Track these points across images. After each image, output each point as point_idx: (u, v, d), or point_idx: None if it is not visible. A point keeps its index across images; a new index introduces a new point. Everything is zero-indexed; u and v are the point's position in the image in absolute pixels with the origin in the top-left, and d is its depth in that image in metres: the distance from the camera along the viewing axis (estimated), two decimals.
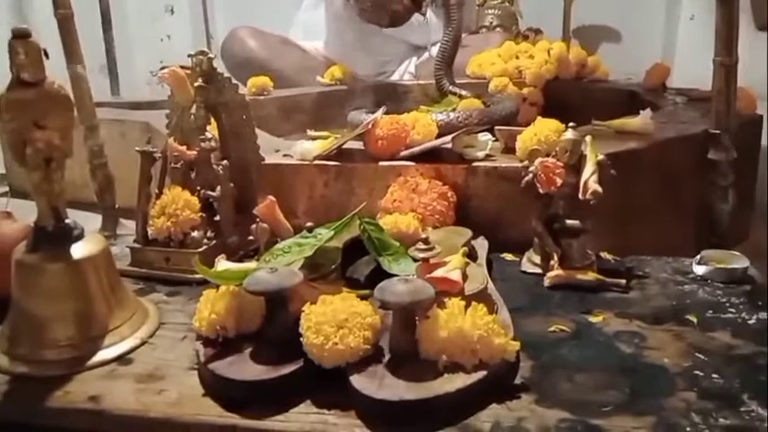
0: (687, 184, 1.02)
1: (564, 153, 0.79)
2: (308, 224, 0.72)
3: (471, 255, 0.79)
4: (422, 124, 0.94)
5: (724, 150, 0.83)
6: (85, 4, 2.14)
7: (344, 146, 0.95)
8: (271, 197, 0.84)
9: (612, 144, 0.94)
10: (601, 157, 0.79)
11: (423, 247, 0.65)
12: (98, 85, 2.11)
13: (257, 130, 0.90)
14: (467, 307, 0.58)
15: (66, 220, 0.65)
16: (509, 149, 0.93)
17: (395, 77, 2.06)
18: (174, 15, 2.68)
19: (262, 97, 1.59)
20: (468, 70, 1.77)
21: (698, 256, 0.80)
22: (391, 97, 1.67)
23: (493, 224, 0.87)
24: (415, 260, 0.68)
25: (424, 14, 1.50)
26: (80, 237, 0.65)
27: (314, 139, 1.56)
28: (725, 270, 0.76)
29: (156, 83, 0.87)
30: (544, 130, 0.86)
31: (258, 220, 0.83)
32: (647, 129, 1.00)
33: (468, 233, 0.81)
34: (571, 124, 0.80)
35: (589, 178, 0.77)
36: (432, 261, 0.65)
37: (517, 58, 1.70)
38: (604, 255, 0.84)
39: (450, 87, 1.47)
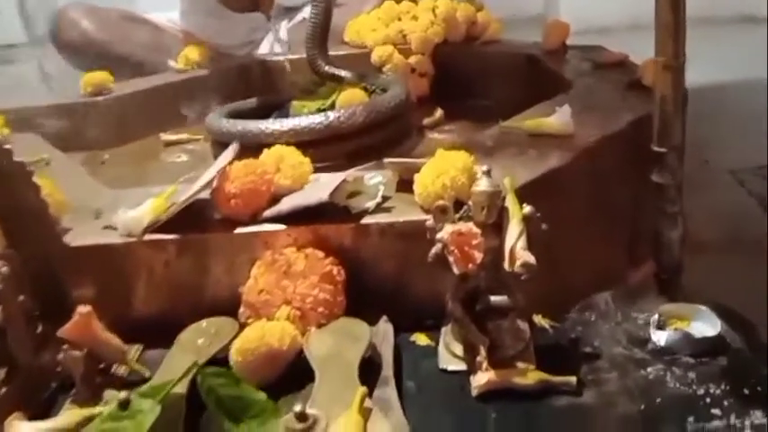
0: (619, 193, 0.82)
1: (480, 210, 0.56)
2: (122, 395, 0.46)
3: (373, 361, 0.57)
4: (289, 164, 0.68)
5: (671, 172, 0.63)
6: None
7: (191, 201, 0.68)
8: (82, 308, 0.57)
9: (530, 165, 0.72)
10: (527, 209, 0.57)
11: (298, 427, 0.42)
12: None
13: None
14: None
15: None
16: (405, 183, 0.69)
17: (264, 47, 1.75)
18: None
19: (101, 98, 1.25)
20: (346, 37, 1.50)
21: (655, 316, 0.61)
22: (261, 81, 1.38)
23: (395, 295, 0.65)
24: None
25: (269, 17, 1.22)
26: None
27: (171, 143, 1.28)
28: (692, 340, 0.58)
29: None
30: (449, 169, 0.62)
31: (66, 346, 0.57)
32: (566, 130, 0.79)
33: (366, 330, 0.57)
34: (484, 168, 0.57)
35: (516, 243, 0.55)
36: None
37: (399, 20, 1.45)
38: (539, 321, 0.64)
39: (327, 68, 1.20)
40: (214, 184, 0.63)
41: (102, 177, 1.13)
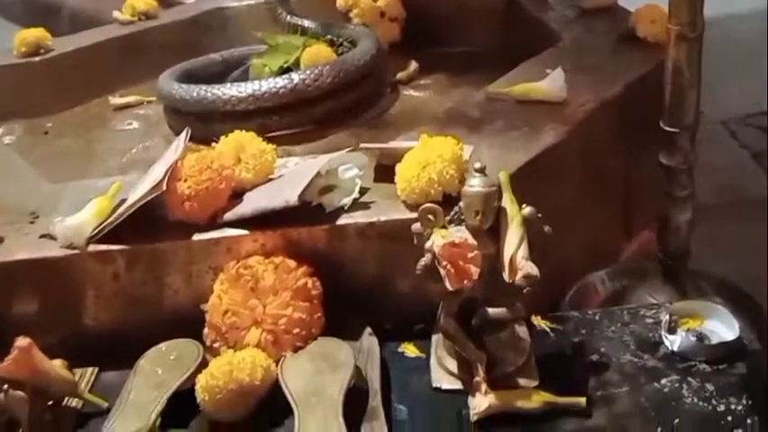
0: (613, 161, 0.75)
1: (474, 215, 0.49)
2: None
3: (359, 389, 0.50)
4: (251, 153, 0.59)
5: (682, 155, 0.56)
6: None
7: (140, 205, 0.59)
8: (22, 341, 0.49)
9: (522, 142, 0.64)
10: (526, 209, 0.49)
11: None
12: None
13: None
14: None
15: None
16: (384, 170, 0.61)
17: None
18: None
19: (38, 58, 1.12)
20: None
21: (665, 316, 0.55)
22: (217, 33, 1.24)
23: (378, 301, 0.57)
24: None
25: None
26: None
27: (120, 107, 1.15)
28: (708, 346, 0.52)
29: None
30: (436, 160, 0.54)
31: (7, 386, 0.49)
32: (559, 96, 0.71)
33: (348, 354, 0.50)
34: (478, 165, 0.49)
35: (516, 252, 0.48)
36: None
37: None
38: (538, 323, 0.57)
39: (289, 18, 1.09)
40: (164, 185, 0.54)
41: (45, 149, 1.02)
